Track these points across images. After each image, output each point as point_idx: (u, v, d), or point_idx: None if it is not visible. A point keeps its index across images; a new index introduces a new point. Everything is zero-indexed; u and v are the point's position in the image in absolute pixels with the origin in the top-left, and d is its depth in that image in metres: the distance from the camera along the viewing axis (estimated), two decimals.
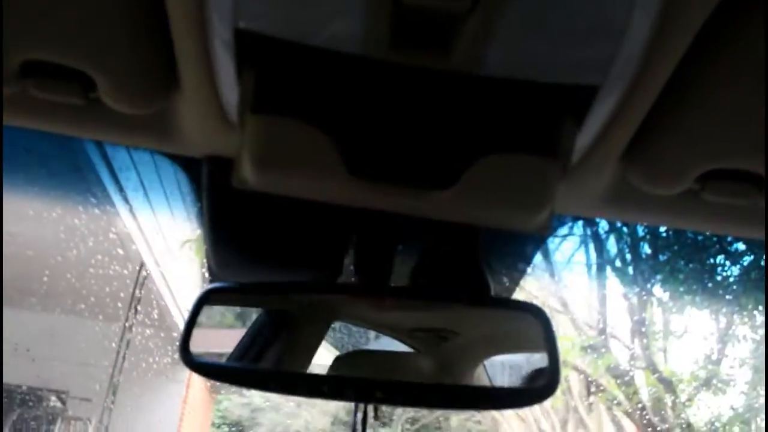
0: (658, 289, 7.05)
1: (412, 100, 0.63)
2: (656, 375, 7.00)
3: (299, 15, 0.56)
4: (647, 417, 6.98)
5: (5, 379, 6.77)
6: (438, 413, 11.41)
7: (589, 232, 6.66)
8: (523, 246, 1.49)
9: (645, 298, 7.14)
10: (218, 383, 7.64)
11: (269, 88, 0.61)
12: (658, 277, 6.68)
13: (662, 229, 5.89)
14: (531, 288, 6.14)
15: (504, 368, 1.20)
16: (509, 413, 8.39)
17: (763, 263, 5.77)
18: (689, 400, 7.21)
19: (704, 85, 0.62)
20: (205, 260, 1.26)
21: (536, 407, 7.75)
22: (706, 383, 7.10)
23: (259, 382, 1.12)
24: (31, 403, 7.37)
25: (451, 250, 1.09)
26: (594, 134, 0.68)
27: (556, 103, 0.62)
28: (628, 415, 7.25)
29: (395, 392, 0.98)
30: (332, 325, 1.23)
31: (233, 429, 11.96)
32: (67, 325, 7.00)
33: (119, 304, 6.59)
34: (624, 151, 0.72)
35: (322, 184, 0.65)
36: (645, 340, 7.12)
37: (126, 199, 4.48)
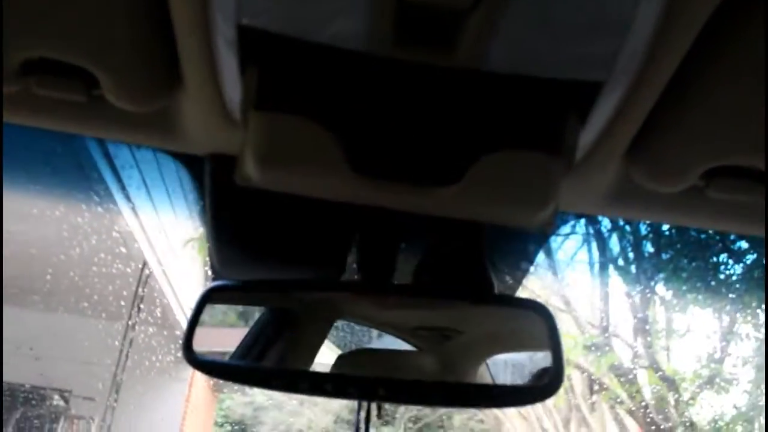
0: (660, 288, 7.04)
1: (415, 97, 0.63)
2: (659, 374, 6.98)
3: (302, 12, 0.56)
4: (650, 416, 6.97)
5: (8, 378, 6.80)
6: (441, 412, 11.42)
7: (591, 230, 6.65)
8: (526, 244, 1.48)
9: (648, 296, 7.13)
10: (221, 382, 7.63)
11: (272, 85, 0.61)
12: (661, 275, 6.67)
13: (665, 227, 5.88)
14: (534, 286, 6.13)
15: (507, 366, 1.20)
16: (512, 412, 8.39)
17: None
18: (692, 398, 7.19)
19: (707, 82, 0.62)
20: (207, 258, 1.26)
21: (539, 406, 7.74)
22: (709, 382, 7.08)
23: (262, 380, 1.12)
24: (34, 402, 7.37)
25: (455, 248, 1.08)
26: (598, 131, 0.68)
27: (560, 100, 0.62)
28: (630, 413, 7.24)
29: (398, 390, 0.98)
30: (335, 325, 1.23)
31: (236, 427, 11.96)
32: (70, 324, 6.98)
33: (122, 303, 6.58)
34: (627, 148, 0.72)
35: (326, 182, 0.65)
36: (648, 339, 7.11)
37: (128, 198, 4.47)
